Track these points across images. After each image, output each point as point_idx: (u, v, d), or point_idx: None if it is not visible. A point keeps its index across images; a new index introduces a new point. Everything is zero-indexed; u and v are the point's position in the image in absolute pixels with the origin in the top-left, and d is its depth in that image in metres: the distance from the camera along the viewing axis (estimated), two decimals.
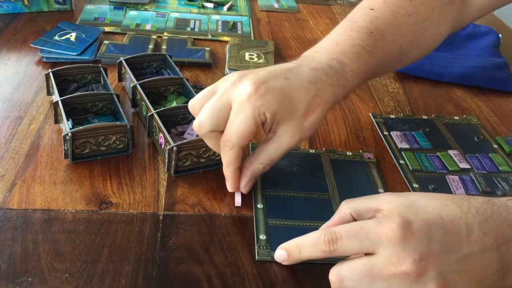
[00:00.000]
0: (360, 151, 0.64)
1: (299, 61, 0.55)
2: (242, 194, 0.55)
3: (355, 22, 0.61)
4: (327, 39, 0.59)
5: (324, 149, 0.64)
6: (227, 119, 0.50)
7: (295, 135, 0.52)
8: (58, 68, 0.67)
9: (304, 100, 0.51)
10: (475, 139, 0.68)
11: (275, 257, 0.47)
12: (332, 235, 0.42)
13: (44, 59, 0.77)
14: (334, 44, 0.58)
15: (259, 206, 0.54)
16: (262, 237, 0.50)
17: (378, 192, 0.57)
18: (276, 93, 0.50)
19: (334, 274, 0.43)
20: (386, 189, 0.58)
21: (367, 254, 0.42)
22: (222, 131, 0.51)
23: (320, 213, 0.54)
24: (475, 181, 0.60)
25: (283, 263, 0.47)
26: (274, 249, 0.48)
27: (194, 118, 0.62)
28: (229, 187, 0.54)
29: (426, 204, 0.43)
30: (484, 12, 0.71)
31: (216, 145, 0.53)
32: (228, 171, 0.53)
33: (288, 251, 0.46)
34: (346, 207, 0.46)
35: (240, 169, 0.54)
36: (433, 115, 0.73)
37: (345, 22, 0.62)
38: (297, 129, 0.52)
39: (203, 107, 0.51)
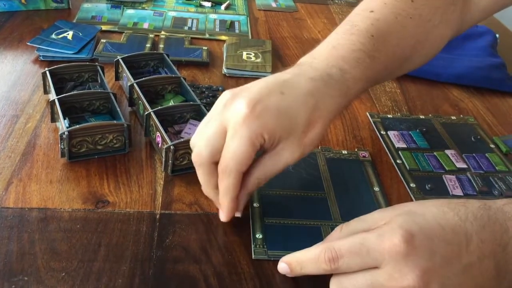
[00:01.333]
0: (356, 150, 0.64)
1: (296, 70, 0.51)
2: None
3: (355, 25, 0.56)
4: (325, 44, 0.55)
5: (319, 148, 0.64)
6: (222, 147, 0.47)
7: (295, 152, 0.48)
8: (55, 66, 0.67)
9: (303, 115, 0.47)
10: (472, 139, 0.68)
11: (279, 270, 0.46)
12: (333, 253, 0.41)
13: (41, 58, 0.77)
14: (333, 49, 0.54)
15: (255, 205, 0.54)
16: (259, 236, 0.50)
17: (373, 190, 0.57)
18: (273, 111, 0.46)
19: (335, 285, 0.43)
20: (382, 188, 0.58)
21: (369, 268, 0.41)
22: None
23: (316, 212, 0.54)
24: (472, 180, 0.60)
25: (287, 275, 0.46)
26: (270, 248, 0.48)
27: (191, 118, 0.63)
28: (224, 216, 0.50)
29: (424, 212, 0.42)
30: (487, 14, 0.69)
31: (207, 180, 0.49)
32: (225, 200, 0.48)
33: (290, 266, 0.45)
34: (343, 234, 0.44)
35: (237, 198, 0.49)
36: (430, 115, 0.73)
37: (344, 26, 0.57)
38: (297, 146, 0.48)
39: (198, 136, 0.49)
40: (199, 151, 0.48)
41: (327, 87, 0.50)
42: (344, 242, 0.42)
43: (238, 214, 0.51)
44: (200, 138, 0.48)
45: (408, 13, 0.59)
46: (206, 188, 0.50)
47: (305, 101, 0.48)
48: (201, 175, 0.49)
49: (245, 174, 0.48)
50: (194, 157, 0.49)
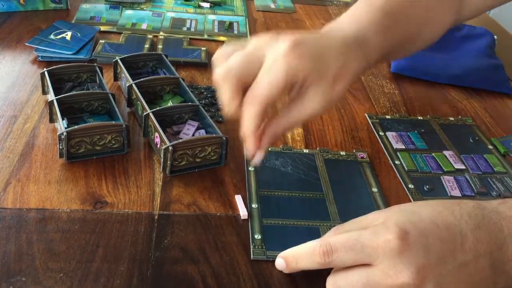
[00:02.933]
0: (354, 151, 0.64)
1: (328, 30, 0.57)
2: (245, 204, 0.54)
3: (372, 3, 0.62)
4: (348, 15, 0.60)
5: (318, 149, 0.64)
6: (255, 74, 0.49)
7: (321, 102, 0.51)
8: (53, 67, 0.67)
9: (334, 68, 0.51)
10: (470, 140, 0.68)
11: (276, 265, 0.47)
12: (327, 247, 0.42)
13: (39, 58, 0.77)
14: (357, 19, 0.59)
15: (254, 206, 0.54)
16: (257, 236, 0.50)
17: (371, 191, 0.57)
18: (311, 57, 0.49)
19: (331, 285, 0.43)
20: (380, 189, 0.58)
21: (364, 265, 0.41)
22: (243, 88, 0.50)
23: (314, 213, 0.54)
24: (470, 181, 0.60)
25: (283, 271, 0.46)
26: (269, 249, 0.48)
27: (190, 118, 0.63)
28: (249, 146, 0.51)
29: (419, 210, 0.43)
30: (480, 10, 0.73)
31: (231, 97, 0.50)
32: (249, 129, 0.50)
33: (286, 261, 0.45)
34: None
35: (260, 131, 0.51)
36: (428, 116, 0.73)
37: (362, 2, 0.62)
38: (326, 94, 0.51)
39: (234, 55, 0.50)
40: (231, 65, 0.49)
41: (354, 50, 0.54)
42: (339, 237, 0.43)
43: (258, 160, 0.52)
44: (236, 56, 0.50)
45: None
46: (228, 106, 0.51)
47: (337, 57, 0.52)
48: (227, 91, 0.50)
49: (271, 122, 0.51)
50: (223, 71, 0.49)
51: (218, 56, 0.52)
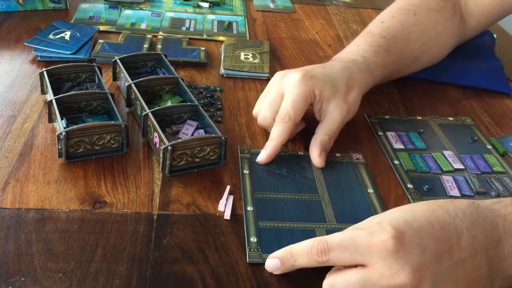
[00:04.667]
0: (349, 152, 0.64)
1: (330, 62, 0.68)
2: (232, 206, 0.54)
3: (370, 31, 0.73)
4: (348, 46, 0.72)
5: None
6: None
7: (344, 108, 0.62)
8: (52, 67, 0.67)
9: (342, 81, 0.63)
10: (469, 140, 0.68)
11: (266, 267, 0.46)
12: (324, 245, 0.42)
13: (38, 58, 0.77)
14: (355, 47, 0.70)
15: (249, 208, 0.54)
16: (253, 239, 0.50)
17: (367, 192, 0.57)
18: (320, 76, 0.61)
19: (327, 285, 0.43)
20: (376, 189, 0.58)
21: (361, 265, 0.41)
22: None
23: (310, 215, 0.54)
24: (469, 181, 0.60)
25: (274, 272, 0.46)
26: (265, 252, 0.48)
27: (189, 118, 0.63)
28: (265, 156, 0.60)
29: (413, 210, 0.43)
30: (484, 25, 0.83)
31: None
32: (275, 142, 0.60)
33: (281, 259, 0.45)
34: None
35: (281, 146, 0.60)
36: (428, 116, 0.73)
37: (362, 34, 0.74)
38: (344, 104, 0.62)
39: (262, 104, 0.63)
40: (264, 114, 0.62)
41: (355, 66, 0.66)
42: (336, 236, 0.43)
43: (319, 162, 0.61)
44: (263, 104, 0.63)
45: (412, 23, 0.75)
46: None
47: (342, 73, 0.64)
48: (270, 130, 0.61)
49: (314, 137, 0.62)
50: (261, 120, 0.63)
51: (255, 113, 0.65)
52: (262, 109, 0.63)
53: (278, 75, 0.63)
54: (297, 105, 0.59)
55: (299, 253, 0.44)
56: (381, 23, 0.75)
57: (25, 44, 0.78)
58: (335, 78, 0.62)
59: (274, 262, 0.46)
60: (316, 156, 0.60)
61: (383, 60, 0.69)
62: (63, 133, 0.55)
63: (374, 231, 0.41)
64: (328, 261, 0.42)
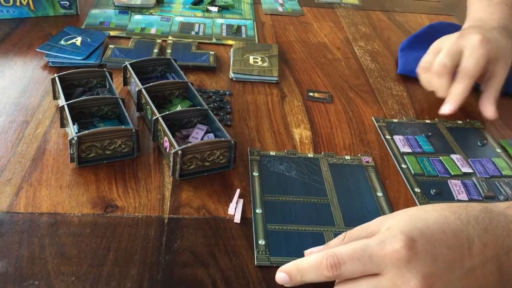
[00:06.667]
0: (359, 155, 0.64)
1: (483, 23, 0.76)
2: (242, 210, 0.54)
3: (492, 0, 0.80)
4: (475, 11, 0.81)
5: (322, 153, 0.64)
6: (459, 61, 0.69)
7: (505, 72, 0.71)
8: (64, 72, 0.68)
9: (505, 49, 0.71)
10: (478, 143, 0.68)
11: (276, 280, 0.46)
12: (334, 259, 0.41)
13: (50, 64, 0.78)
14: (492, 15, 0.77)
15: (258, 211, 0.54)
16: (261, 242, 0.50)
17: (376, 196, 0.58)
18: (495, 42, 0.70)
19: None
20: (385, 193, 0.58)
21: (372, 274, 0.41)
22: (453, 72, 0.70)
23: (319, 218, 0.54)
24: (478, 185, 0.60)
25: (285, 285, 0.45)
26: (273, 254, 0.49)
27: (198, 122, 0.64)
28: (452, 108, 0.70)
29: (425, 216, 0.42)
30: None
31: (448, 84, 0.70)
32: (460, 97, 0.69)
33: (289, 274, 0.44)
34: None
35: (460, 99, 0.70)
36: (436, 119, 0.73)
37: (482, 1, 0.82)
38: (506, 68, 0.71)
39: (441, 53, 0.70)
40: (443, 62, 0.70)
41: (507, 36, 0.73)
42: (345, 248, 0.42)
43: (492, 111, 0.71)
44: (442, 54, 0.70)
45: None
46: (443, 90, 0.72)
47: (505, 40, 0.72)
48: (444, 82, 0.71)
49: (485, 91, 0.72)
50: (439, 68, 0.70)
51: (430, 62, 0.72)
52: (441, 57, 0.70)
53: (453, 35, 0.71)
54: (479, 65, 0.68)
55: (307, 269, 0.43)
56: None
57: (37, 50, 0.79)
58: (502, 44, 0.71)
59: (282, 276, 0.45)
60: (492, 111, 0.70)
61: None
62: (75, 138, 0.56)
63: (386, 240, 0.40)
64: (339, 275, 0.41)
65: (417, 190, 0.59)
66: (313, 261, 0.43)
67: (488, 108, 0.71)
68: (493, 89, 0.71)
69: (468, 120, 0.74)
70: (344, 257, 0.41)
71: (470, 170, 0.62)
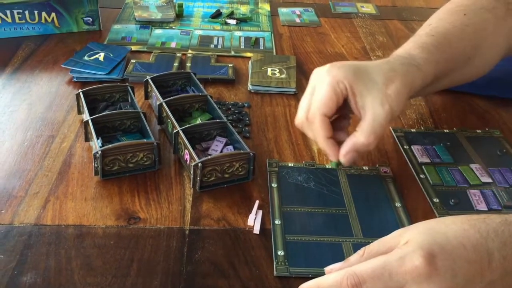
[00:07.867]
0: (377, 166, 0.64)
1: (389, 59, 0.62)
2: (261, 221, 0.55)
3: (417, 34, 0.68)
4: (395, 51, 0.66)
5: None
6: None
7: (384, 103, 0.55)
8: (88, 88, 0.70)
9: (379, 72, 0.57)
10: (498, 152, 0.68)
11: None
12: (355, 279, 0.41)
13: (75, 79, 0.80)
14: (400, 48, 0.65)
15: (277, 222, 0.55)
16: (280, 253, 0.51)
17: (395, 206, 0.58)
18: (351, 67, 0.57)
19: None
20: (404, 204, 0.58)
21: None
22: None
23: (337, 228, 0.54)
24: (497, 195, 0.60)
25: None
26: (292, 265, 0.49)
27: (218, 135, 0.65)
28: (329, 156, 0.58)
29: (445, 230, 0.42)
30: None
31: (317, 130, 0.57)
32: (320, 141, 0.57)
33: None
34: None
35: (333, 139, 0.57)
36: (455, 129, 0.73)
37: (410, 38, 0.68)
38: (383, 97, 0.55)
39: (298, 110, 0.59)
40: (298, 117, 0.58)
41: (397, 60, 0.60)
42: (365, 266, 0.41)
43: (344, 159, 0.57)
44: (298, 109, 0.59)
45: (462, 22, 0.69)
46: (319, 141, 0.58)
47: (379, 66, 0.58)
48: (307, 132, 0.59)
49: (352, 134, 0.56)
50: (297, 123, 0.59)
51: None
52: (297, 114, 0.59)
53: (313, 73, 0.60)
54: (322, 98, 0.55)
55: None
56: (428, 26, 0.69)
57: (62, 66, 0.82)
58: (370, 71, 0.57)
59: None
60: (341, 153, 0.57)
61: (432, 55, 0.62)
62: (99, 152, 0.58)
63: (405, 256, 0.40)
64: None
65: (435, 200, 0.59)
66: (333, 280, 0.42)
67: (341, 150, 0.57)
68: (359, 131, 0.56)
69: (487, 129, 0.73)
70: (365, 276, 0.41)
71: (489, 180, 0.62)
